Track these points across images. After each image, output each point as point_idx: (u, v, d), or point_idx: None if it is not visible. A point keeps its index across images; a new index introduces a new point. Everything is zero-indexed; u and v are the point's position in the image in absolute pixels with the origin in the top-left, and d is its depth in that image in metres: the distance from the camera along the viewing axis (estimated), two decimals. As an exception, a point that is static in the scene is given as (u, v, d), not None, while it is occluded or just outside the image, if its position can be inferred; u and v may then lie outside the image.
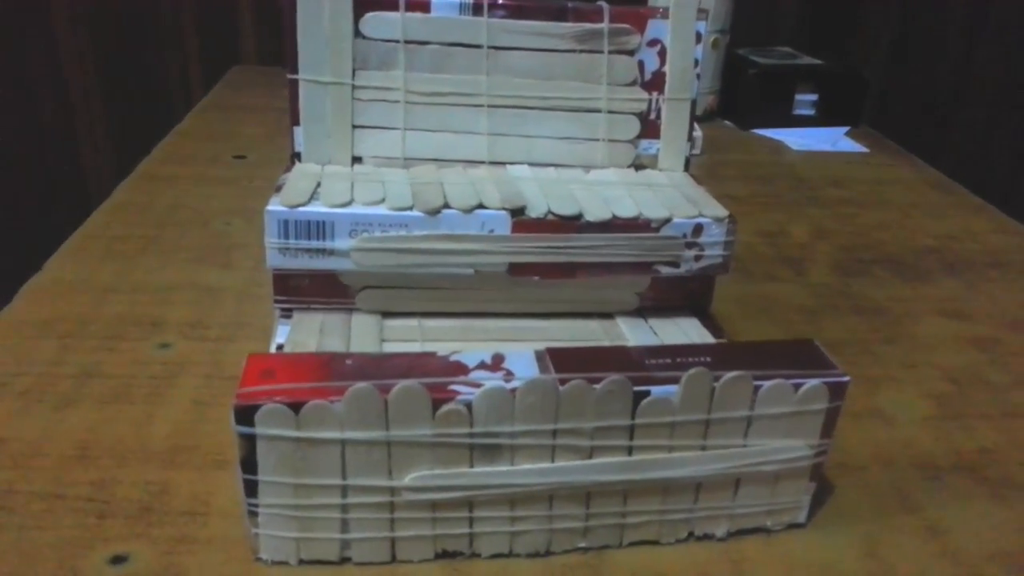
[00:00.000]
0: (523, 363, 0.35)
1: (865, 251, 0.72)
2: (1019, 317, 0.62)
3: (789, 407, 0.36)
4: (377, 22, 0.49)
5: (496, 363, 0.35)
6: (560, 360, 0.36)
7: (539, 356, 0.36)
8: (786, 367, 0.36)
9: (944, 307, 0.63)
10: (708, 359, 0.36)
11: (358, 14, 0.49)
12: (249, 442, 0.33)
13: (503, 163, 0.51)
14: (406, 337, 0.46)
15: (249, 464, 0.33)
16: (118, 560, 0.36)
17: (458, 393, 0.33)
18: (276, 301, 0.47)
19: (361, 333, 0.45)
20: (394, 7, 0.49)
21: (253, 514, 0.35)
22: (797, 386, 0.36)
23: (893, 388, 0.53)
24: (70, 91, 1.15)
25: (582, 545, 0.38)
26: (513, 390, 0.34)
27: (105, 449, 0.42)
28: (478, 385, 0.34)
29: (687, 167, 0.53)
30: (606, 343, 0.47)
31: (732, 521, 0.39)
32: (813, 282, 0.66)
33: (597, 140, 0.52)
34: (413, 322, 0.47)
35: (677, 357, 0.36)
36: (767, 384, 0.35)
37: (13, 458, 0.41)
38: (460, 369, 0.35)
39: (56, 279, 0.58)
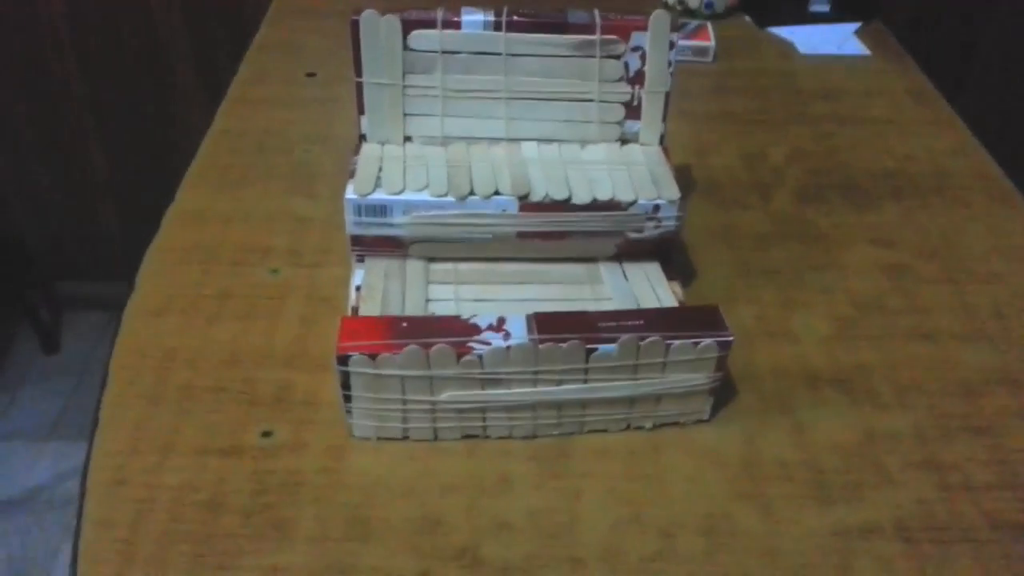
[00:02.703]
0: (517, 326, 0.54)
1: (828, 175, 0.87)
2: (936, 246, 0.78)
3: (691, 356, 0.55)
4: (421, 38, 0.64)
5: (499, 325, 0.54)
6: (542, 324, 0.54)
7: (528, 320, 0.55)
8: (691, 329, 0.55)
9: (877, 235, 0.79)
10: (641, 322, 0.55)
11: (406, 32, 0.64)
12: (345, 374, 0.53)
13: (518, 140, 0.68)
14: (445, 280, 0.65)
15: (345, 386, 0.54)
16: (266, 434, 0.58)
17: (473, 348, 0.53)
18: (353, 249, 0.66)
19: (413, 276, 0.65)
20: (433, 26, 0.64)
21: (348, 412, 0.56)
22: (697, 343, 0.54)
23: (806, 312, 0.70)
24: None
25: (555, 433, 0.58)
26: (508, 347, 0.53)
27: (246, 354, 0.63)
28: (487, 343, 0.53)
29: (662, 141, 0.69)
30: (587, 285, 0.65)
31: (656, 419, 0.59)
32: (774, 209, 0.82)
33: (591, 122, 0.68)
34: (450, 266, 0.66)
35: (621, 321, 0.55)
36: (676, 343, 0.54)
37: (186, 362, 0.63)
38: (475, 330, 0.54)
39: (187, 209, 0.77)
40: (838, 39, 1.15)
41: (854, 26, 1.18)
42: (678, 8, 1.17)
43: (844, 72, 1.07)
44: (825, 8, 1.18)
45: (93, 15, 1.37)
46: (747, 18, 1.19)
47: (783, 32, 1.16)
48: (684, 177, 0.83)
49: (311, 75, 0.99)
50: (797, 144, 0.92)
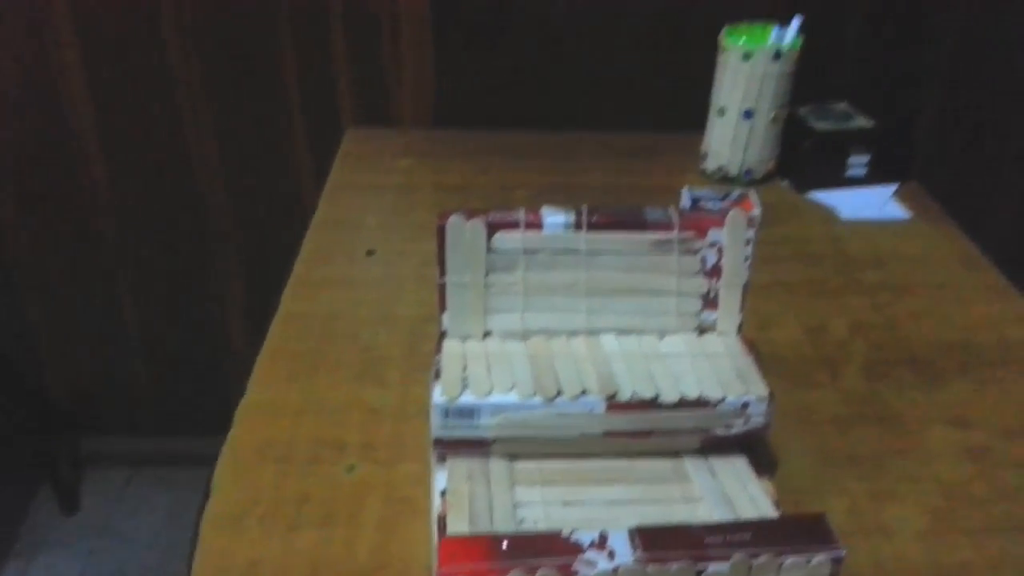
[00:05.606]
0: (621, 543, 0.53)
1: (893, 349, 0.87)
2: (1012, 425, 0.77)
3: (803, 572, 0.53)
4: (504, 239, 0.65)
5: (602, 542, 0.53)
6: (646, 540, 0.53)
7: (631, 536, 0.53)
8: (801, 541, 0.53)
9: (952, 414, 0.78)
10: (748, 536, 0.53)
11: (490, 234, 0.65)
12: (445, 599, 0.51)
13: (597, 331, 0.68)
14: (531, 481, 0.63)
15: (444, 611, 0.52)
16: (355, 661, 0.55)
17: (578, 572, 0.51)
18: (435, 446, 0.65)
19: (498, 478, 0.63)
20: (516, 227, 0.65)
21: (443, 636, 0.53)
22: (809, 559, 0.53)
23: (897, 503, 0.68)
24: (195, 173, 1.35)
25: (659, 653, 0.55)
26: (616, 570, 0.51)
27: (328, 567, 0.61)
28: (592, 564, 0.51)
29: (740, 330, 0.69)
30: (675, 483, 0.64)
31: (764, 634, 0.56)
32: (846, 387, 0.81)
33: (668, 314, 0.68)
34: (534, 465, 0.65)
35: (727, 535, 0.53)
36: (788, 560, 0.52)
37: (269, 577, 0.61)
38: (577, 548, 0.52)
39: (259, 402, 0.77)
40: (878, 203, 1.18)
41: (892, 187, 1.21)
42: (717, 176, 1.21)
43: (889, 236, 1.08)
44: (862, 171, 1.21)
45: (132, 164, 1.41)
46: (784, 183, 1.22)
47: (822, 197, 1.18)
48: (750, 355, 0.83)
49: (371, 252, 1.00)
50: (856, 316, 0.92)
